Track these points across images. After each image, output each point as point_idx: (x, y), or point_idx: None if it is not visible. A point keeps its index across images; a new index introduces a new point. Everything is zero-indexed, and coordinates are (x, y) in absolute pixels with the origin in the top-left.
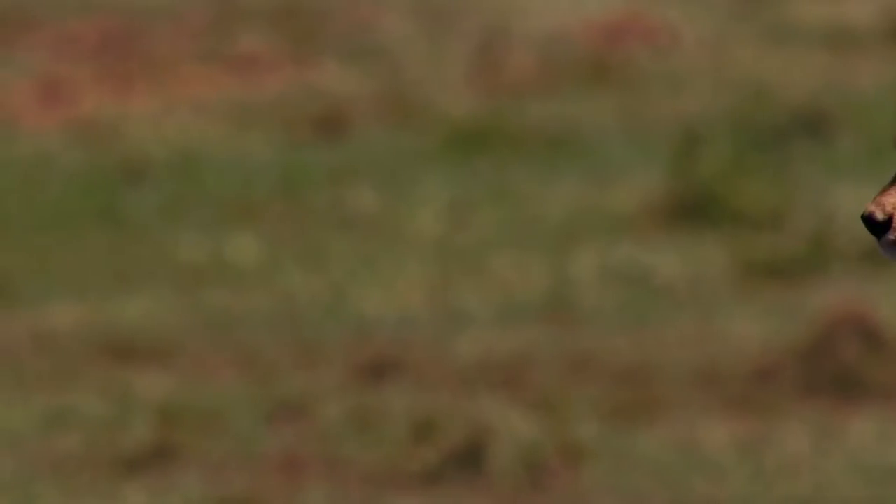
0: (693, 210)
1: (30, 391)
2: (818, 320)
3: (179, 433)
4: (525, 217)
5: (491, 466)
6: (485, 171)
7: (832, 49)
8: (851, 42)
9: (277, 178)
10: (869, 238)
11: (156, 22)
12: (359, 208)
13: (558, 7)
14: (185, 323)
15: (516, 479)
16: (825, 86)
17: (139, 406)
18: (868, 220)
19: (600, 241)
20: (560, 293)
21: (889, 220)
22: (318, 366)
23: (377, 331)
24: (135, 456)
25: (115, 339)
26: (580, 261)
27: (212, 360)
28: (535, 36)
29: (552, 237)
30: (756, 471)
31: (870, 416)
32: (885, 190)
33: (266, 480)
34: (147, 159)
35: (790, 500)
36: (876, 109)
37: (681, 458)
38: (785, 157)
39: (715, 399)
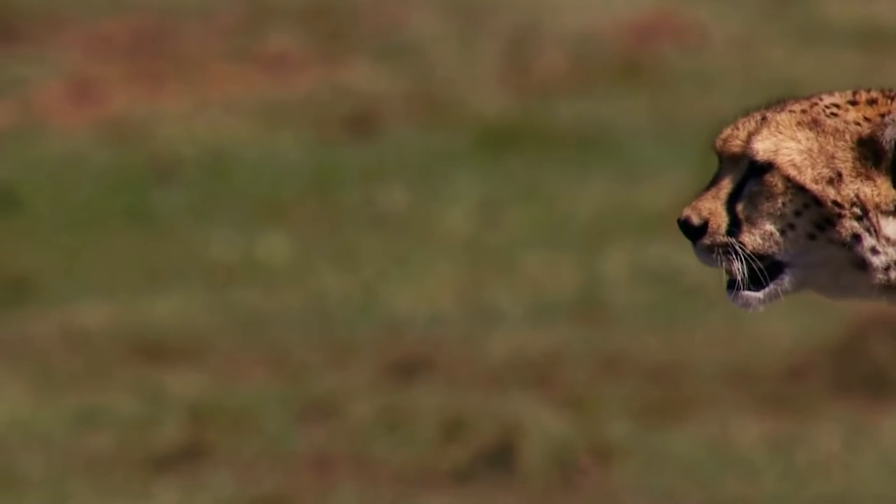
0: None
1: (61, 390)
2: (850, 319)
3: (210, 432)
4: (556, 216)
5: (522, 465)
6: (515, 169)
7: (862, 48)
8: (882, 41)
9: (308, 177)
10: None
11: (186, 21)
12: (390, 207)
13: (589, 6)
14: (215, 322)
15: (547, 478)
16: (856, 84)
17: (170, 405)
18: (684, 224)
19: (631, 240)
20: (591, 292)
21: (704, 224)
22: (349, 365)
23: (408, 330)
24: (166, 454)
25: (146, 338)
26: (611, 260)
27: (243, 359)
28: (566, 35)
29: (583, 236)
30: (788, 469)
31: None
32: (701, 195)
33: (297, 479)
34: (177, 158)
35: (822, 498)
36: None
37: (712, 456)
38: None
39: (746, 398)
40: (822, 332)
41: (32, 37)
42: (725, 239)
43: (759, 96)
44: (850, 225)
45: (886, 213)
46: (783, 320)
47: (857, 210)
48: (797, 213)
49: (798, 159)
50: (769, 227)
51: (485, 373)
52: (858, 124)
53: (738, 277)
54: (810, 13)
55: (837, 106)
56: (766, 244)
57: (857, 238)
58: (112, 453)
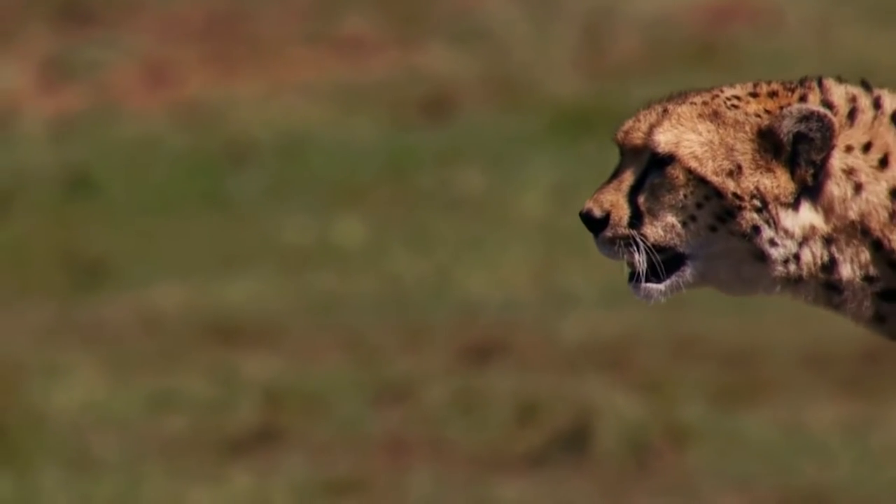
0: None
1: (136, 374)
2: None
3: (285, 415)
4: None
5: (596, 448)
6: (590, 152)
7: None
8: None
9: (383, 161)
10: None
11: (261, 4)
12: (464, 190)
13: None
14: (290, 305)
15: (621, 461)
16: None
17: (244, 388)
18: (586, 217)
19: None
20: None
21: (606, 216)
22: (424, 348)
23: (482, 313)
24: (240, 438)
25: (221, 322)
26: None
27: (317, 342)
28: (640, 18)
29: None
30: (862, 453)
31: None
32: (602, 187)
33: (371, 463)
34: (252, 142)
35: None
36: None
37: (787, 440)
38: None
39: (821, 381)
40: None
41: (107, 20)
42: (627, 231)
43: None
44: (750, 217)
45: (785, 206)
46: None
47: (756, 202)
48: (698, 205)
49: (699, 151)
50: (671, 219)
51: (559, 356)
52: (759, 116)
53: (640, 269)
54: None
55: (738, 98)
56: (668, 236)
57: (756, 230)
58: (187, 437)
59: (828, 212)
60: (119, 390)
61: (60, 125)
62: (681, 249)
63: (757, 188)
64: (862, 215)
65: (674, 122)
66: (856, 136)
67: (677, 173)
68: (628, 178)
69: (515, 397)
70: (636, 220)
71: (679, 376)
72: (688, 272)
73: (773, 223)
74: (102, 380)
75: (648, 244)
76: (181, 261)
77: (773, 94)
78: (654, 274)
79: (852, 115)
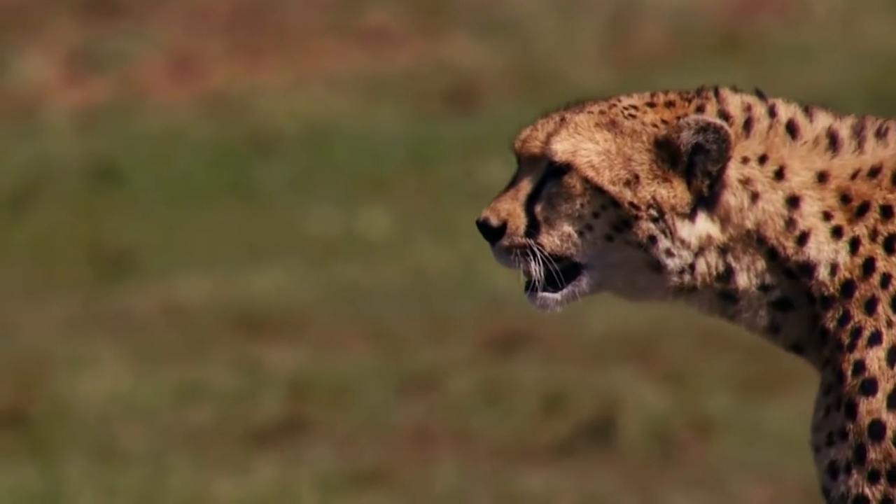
0: None
1: (161, 365)
2: None
3: (310, 406)
4: None
5: (621, 439)
6: None
7: None
8: None
9: (407, 152)
10: None
11: None
12: (489, 181)
13: None
14: (315, 296)
15: (646, 452)
16: None
17: (270, 379)
18: (483, 225)
19: None
20: None
21: (503, 225)
22: (449, 339)
23: (507, 304)
24: (266, 429)
25: (246, 313)
26: None
27: (342, 333)
28: (666, 9)
29: None
30: None
31: None
32: (500, 195)
33: (396, 453)
34: (277, 133)
35: None
36: None
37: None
38: None
39: None
40: None
41: (133, 12)
42: (524, 240)
43: (860, 70)
44: (646, 227)
45: (682, 216)
46: None
47: (653, 212)
48: (595, 215)
49: (596, 160)
50: (567, 228)
51: (584, 347)
52: (656, 126)
53: (536, 278)
54: None
55: (636, 108)
56: (565, 245)
57: (653, 240)
58: (212, 427)
59: (724, 221)
60: (144, 381)
61: (86, 116)
62: (577, 259)
63: (654, 198)
64: (758, 224)
65: (571, 130)
66: (752, 147)
67: (574, 182)
68: (525, 186)
69: (540, 388)
70: (533, 229)
71: (704, 367)
72: (584, 281)
73: (670, 233)
74: (128, 371)
75: (545, 253)
76: (206, 252)
77: (670, 104)
78: (550, 283)
79: (748, 125)
